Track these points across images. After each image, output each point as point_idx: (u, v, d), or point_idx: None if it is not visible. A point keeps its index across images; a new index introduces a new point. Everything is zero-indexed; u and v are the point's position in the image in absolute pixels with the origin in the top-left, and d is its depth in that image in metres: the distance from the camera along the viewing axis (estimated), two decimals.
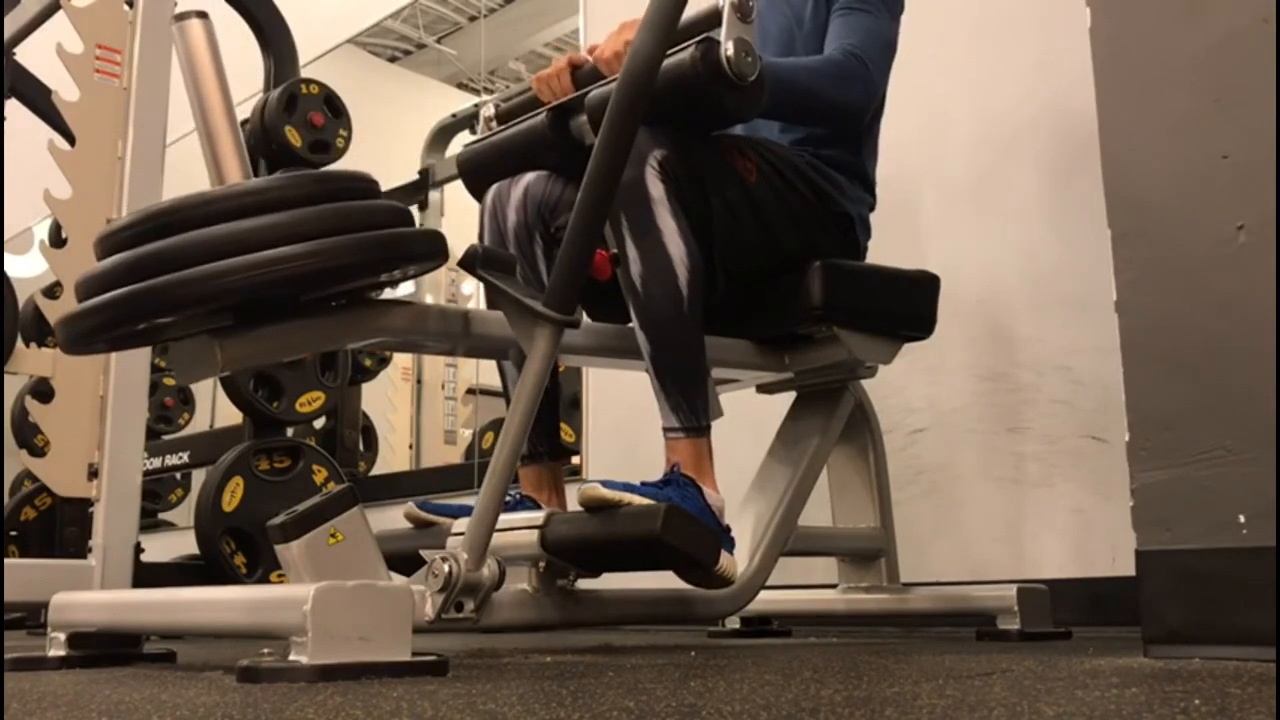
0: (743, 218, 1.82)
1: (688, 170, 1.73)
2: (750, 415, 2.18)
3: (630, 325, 1.74)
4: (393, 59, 5.79)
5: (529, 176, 1.92)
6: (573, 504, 1.64)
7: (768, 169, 1.87)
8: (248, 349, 1.48)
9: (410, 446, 5.40)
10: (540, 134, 1.90)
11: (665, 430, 1.69)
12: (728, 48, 1.65)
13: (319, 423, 4.17)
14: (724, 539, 1.62)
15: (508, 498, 1.59)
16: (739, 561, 1.72)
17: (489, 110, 2.09)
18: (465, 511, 1.75)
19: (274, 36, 3.75)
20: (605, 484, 1.54)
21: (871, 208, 2.07)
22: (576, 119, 1.88)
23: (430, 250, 1.49)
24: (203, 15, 1.56)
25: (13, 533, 3.28)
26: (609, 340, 1.81)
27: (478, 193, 2.01)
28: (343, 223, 1.39)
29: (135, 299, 1.36)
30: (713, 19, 1.69)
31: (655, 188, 1.69)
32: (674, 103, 1.68)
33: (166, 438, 4.43)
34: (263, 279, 1.33)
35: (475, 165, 2.03)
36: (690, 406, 1.68)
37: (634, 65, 1.50)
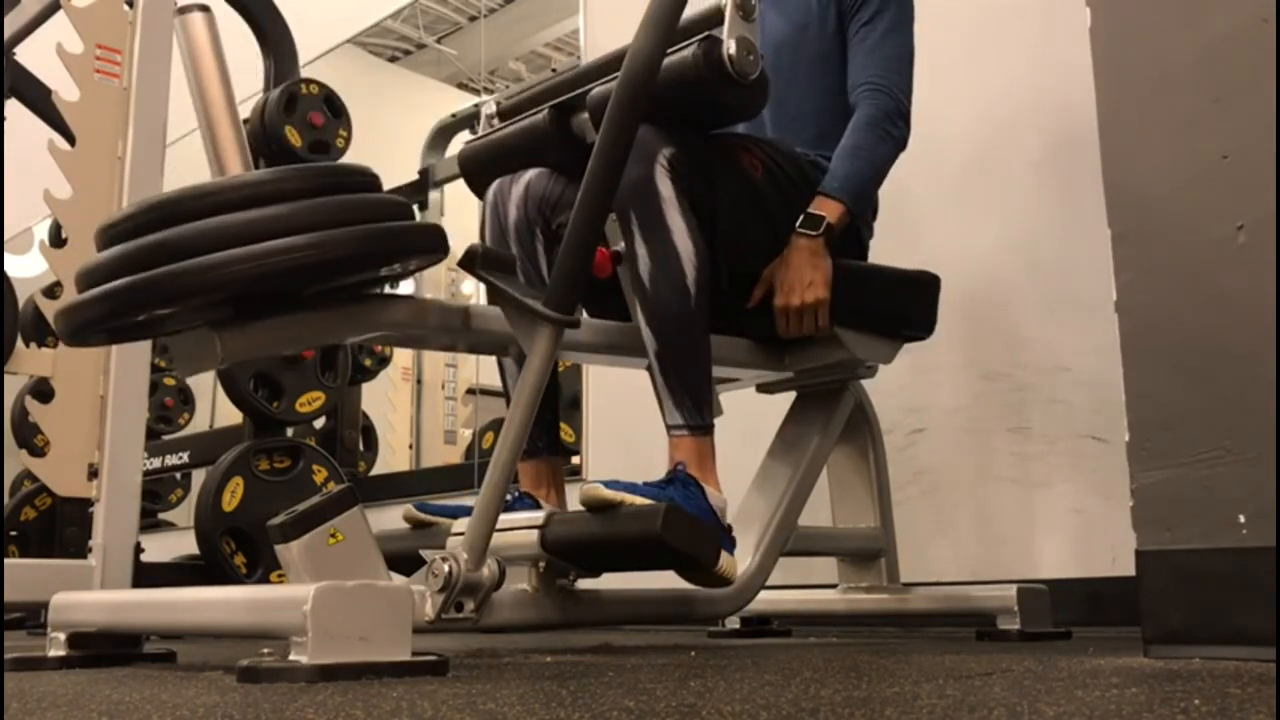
0: (747, 213, 1.82)
1: (695, 167, 1.74)
2: (750, 415, 2.18)
3: (631, 324, 1.74)
4: (393, 59, 5.79)
5: (530, 173, 1.92)
6: (573, 504, 1.64)
7: (773, 166, 1.88)
8: (248, 341, 1.48)
9: (410, 446, 5.40)
10: (542, 131, 1.90)
11: (669, 428, 1.69)
12: (730, 46, 1.66)
13: (319, 423, 4.17)
14: (724, 539, 1.62)
15: (507, 496, 1.60)
16: (739, 561, 1.72)
17: (490, 108, 2.09)
18: (464, 511, 1.75)
19: (274, 36, 3.75)
20: (607, 484, 1.54)
21: (875, 206, 2.07)
22: (578, 116, 1.88)
23: (431, 244, 1.48)
24: (205, 9, 1.56)
25: (13, 533, 3.28)
26: (611, 338, 1.81)
27: (479, 190, 2.01)
28: (344, 215, 1.38)
29: (135, 290, 1.35)
30: (714, 18, 1.69)
31: (665, 186, 1.69)
32: (677, 100, 1.69)
33: (166, 438, 4.43)
34: (263, 270, 1.33)
35: (477, 162, 2.03)
36: (695, 404, 1.68)
37: (633, 65, 1.50)
